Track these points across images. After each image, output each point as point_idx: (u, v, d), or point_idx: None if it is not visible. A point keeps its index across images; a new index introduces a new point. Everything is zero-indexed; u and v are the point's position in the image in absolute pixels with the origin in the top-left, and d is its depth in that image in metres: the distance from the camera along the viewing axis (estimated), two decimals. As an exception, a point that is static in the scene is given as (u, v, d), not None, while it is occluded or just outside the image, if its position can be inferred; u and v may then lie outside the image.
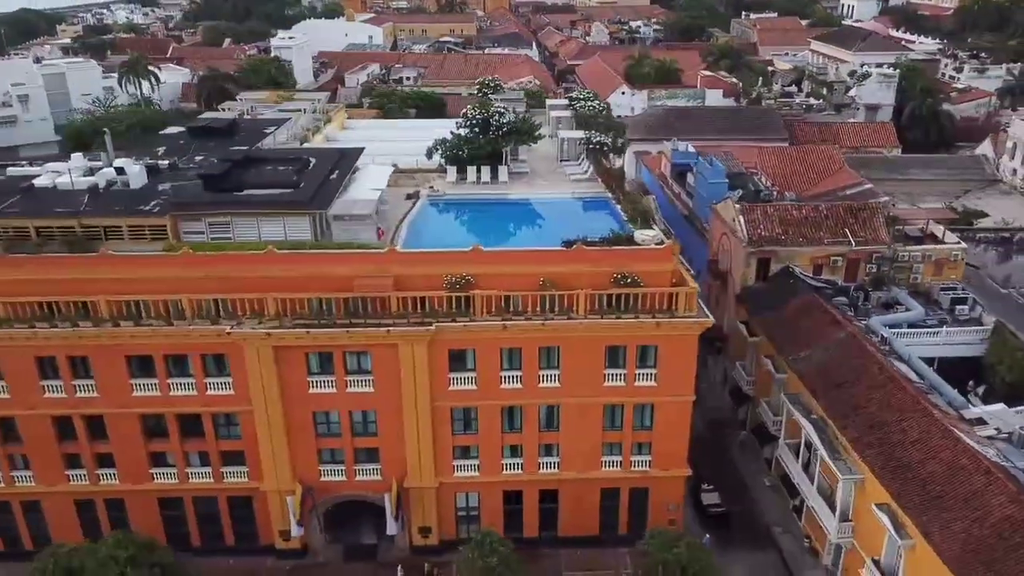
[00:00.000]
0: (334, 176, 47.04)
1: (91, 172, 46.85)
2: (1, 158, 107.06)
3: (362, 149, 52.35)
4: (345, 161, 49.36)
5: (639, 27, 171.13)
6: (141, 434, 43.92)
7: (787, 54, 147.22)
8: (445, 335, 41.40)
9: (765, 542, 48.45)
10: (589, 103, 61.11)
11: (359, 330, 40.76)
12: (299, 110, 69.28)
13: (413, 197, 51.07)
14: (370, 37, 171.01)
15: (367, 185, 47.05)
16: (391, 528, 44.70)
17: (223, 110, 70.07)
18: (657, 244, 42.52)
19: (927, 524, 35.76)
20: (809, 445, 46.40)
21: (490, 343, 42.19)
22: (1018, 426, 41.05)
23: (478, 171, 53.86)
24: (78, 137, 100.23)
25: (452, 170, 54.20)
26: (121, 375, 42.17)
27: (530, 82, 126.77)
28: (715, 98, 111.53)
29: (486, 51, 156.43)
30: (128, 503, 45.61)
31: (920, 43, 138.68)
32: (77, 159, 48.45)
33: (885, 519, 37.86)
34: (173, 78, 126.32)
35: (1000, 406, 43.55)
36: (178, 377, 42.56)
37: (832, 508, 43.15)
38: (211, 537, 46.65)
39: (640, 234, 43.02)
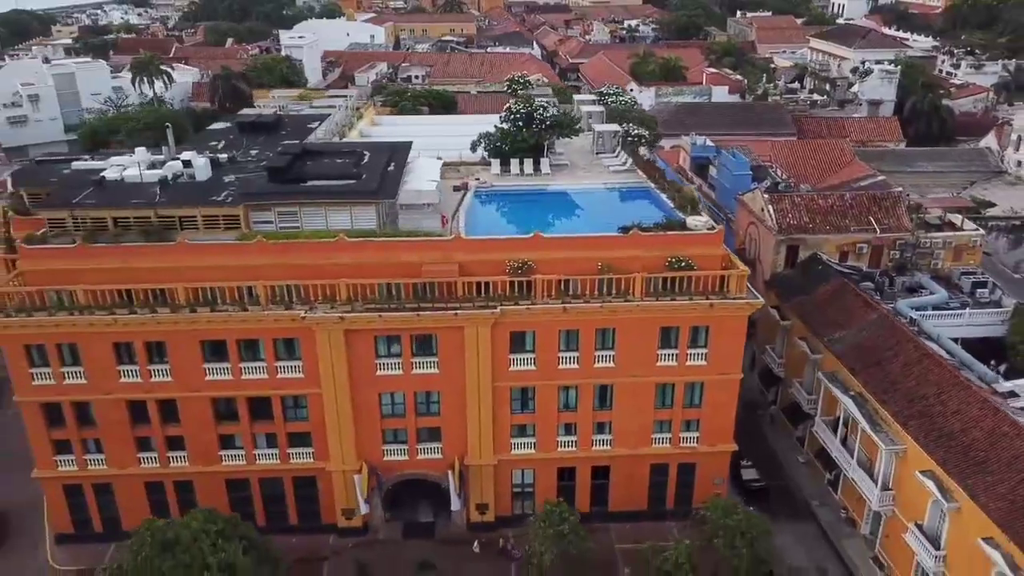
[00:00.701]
0: (392, 168, 48.86)
1: (154, 166, 48.35)
2: (11, 157, 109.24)
3: (410, 143, 54.16)
4: (398, 154, 51.18)
5: (638, 26, 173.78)
6: (212, 417, 45.56)
7: (785, 52, 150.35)
8: (508, 318, 43.39)
9: (804, 514, 50.79)
10: (620, 98, 63.06)
11: (428, 313, 42.66)
12: (331, 107, 71.01)
13: (461, 189, 52.94)
14: (372, 37, 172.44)
15: (424, 177, 48.88)
16: (455, 504, 46.69)
17: (260, 107, 71.53)
18: (708, 229, 44.74)
19: (973, 487, 38.17)
20: (847, 421, 48.81)
21: (550, 325, 44.22)
22: (1049, 398, 43.55)
23: (521, 163, 55.90)
24: (94, 136, 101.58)
25: (496, 163, 56.20)
26: (195, 359, 43.84)
27: (539, 80, 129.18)
28: (721, 95, 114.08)
29: (488, 50, 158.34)
30: (197, 485, 47.19)
31: (914, 41, 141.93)
32: (141, 153, 49.96)
33: (931, 484, 40.26)
34: (183, 78, 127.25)
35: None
36: (250, 361, 44.25)
37: (873, 479, 45.52)
38: (275, 516, 48.30)
39: (692, 220, 45.23)
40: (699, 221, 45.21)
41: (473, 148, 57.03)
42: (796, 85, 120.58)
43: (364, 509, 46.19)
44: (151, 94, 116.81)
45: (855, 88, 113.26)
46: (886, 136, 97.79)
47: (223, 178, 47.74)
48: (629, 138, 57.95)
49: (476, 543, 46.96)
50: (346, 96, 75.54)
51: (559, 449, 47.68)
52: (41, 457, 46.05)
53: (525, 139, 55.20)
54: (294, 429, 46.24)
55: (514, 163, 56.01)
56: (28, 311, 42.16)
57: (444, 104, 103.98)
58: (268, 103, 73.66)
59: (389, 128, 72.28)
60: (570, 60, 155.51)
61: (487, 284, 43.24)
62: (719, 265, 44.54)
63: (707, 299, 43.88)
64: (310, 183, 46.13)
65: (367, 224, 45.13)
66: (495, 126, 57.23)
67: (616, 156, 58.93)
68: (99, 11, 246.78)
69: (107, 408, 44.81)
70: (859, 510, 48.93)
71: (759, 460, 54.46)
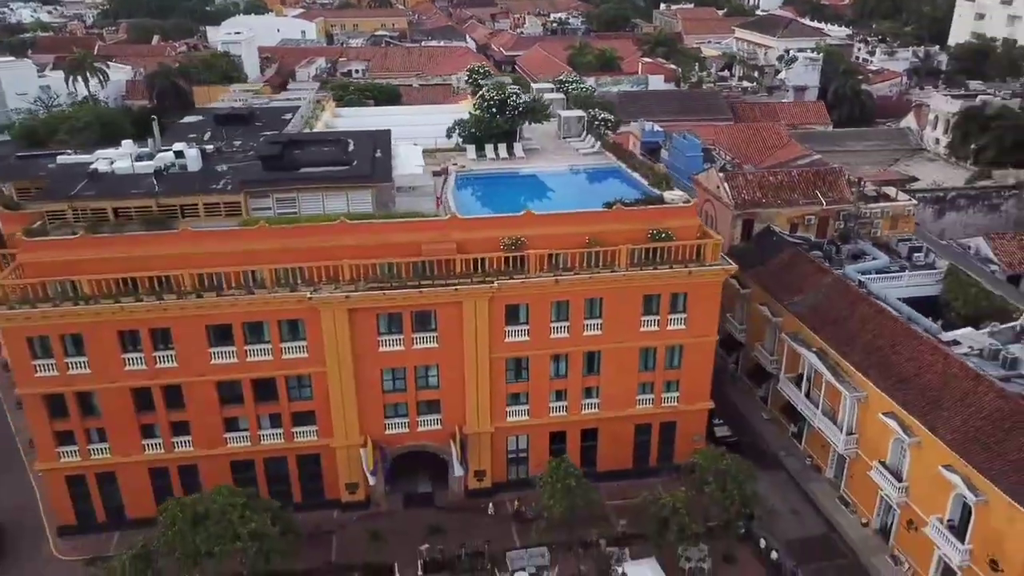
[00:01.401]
0: (379, 154, 50.76)
1: (140, 158, 48.95)
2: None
3: (389, 132, 56.01)
4: (380, 142, 53.04)
5: (567, 19, 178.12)
6: (217, 400, 46.68)
7: (709, 42, 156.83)
8: (504, 292, 45.99)
9: (773, 464, 55.01)
10: (580, 86, 66.23)
11: (430, 289, 44.90)
12: (291, 100, 72.00)
13: (441, 173, 55.11)
14: (303, 32, 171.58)
15: (410, 162, 50.96)
16: (457, 471, 49.14)
17: (222, 101, 71.88)
18: (684, 203, 48.31)
19: (932, 423, 42.84)
20: (810, 376, 53.22)
21: (542, 297, 47.03)
22: (987, 344, 48.76)
23: (495, 148, 58.49)
24: (31, 136, 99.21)
25: (471, 148, 58.59)
26: (201, 345, 44.93)
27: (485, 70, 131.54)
28: (657, 83, 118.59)
29: (422, 44, 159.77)
30: (202, 468, 48.20)
31: (829, 30, 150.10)
32: (127, 145, 50.43)
33: (893, 423, 44.83)
34: (115, 75, 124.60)
35: (968, 329, 51.35)
36: (255, 344, 45.60)
37: (838, 425, 50.02)
38: (280, 495, 48.96)
39: (669, 194, 48.75)
40: (676, 195, 48.78)
41: (449, 134, 59.26)
42: (726, 73, 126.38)
43: (372, 480, 48.08)
44: (85, 92, 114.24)
45: (782, 75, 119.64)
46: (814, 119, 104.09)
47: (215, 168, 48.77)
48: (597, 123, 61.16)
49: (490, 504, 49.44)
50: (308, 90, 76.26)
51: (551, 415, 50.58)
52: (43, 449, 46.35)
53: (499, 125, 57.76)
54: (298, 408, 47.75)
55: (488, 148, 58.51)
56: (31, 303, 42.52)
57: (389, 97, 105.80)
58: (229, 97, 73.98)
59: (352, 120, 73.54)
60: (505, 53, 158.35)
61: (483, 260, 45.73)
62: (695, 235, 48.18)
63: (686, 267, 47.46)
64: (304, 170, 47.62)
65: (363, 207, 47.00)
66: (469, 113, 59.57)
67: (583, 140, 62.09)
68: (6, 8, 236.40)
69: (112, 396, 45.44)
70: (823, 457, 53.47)
71: (727, 419, 58.46)
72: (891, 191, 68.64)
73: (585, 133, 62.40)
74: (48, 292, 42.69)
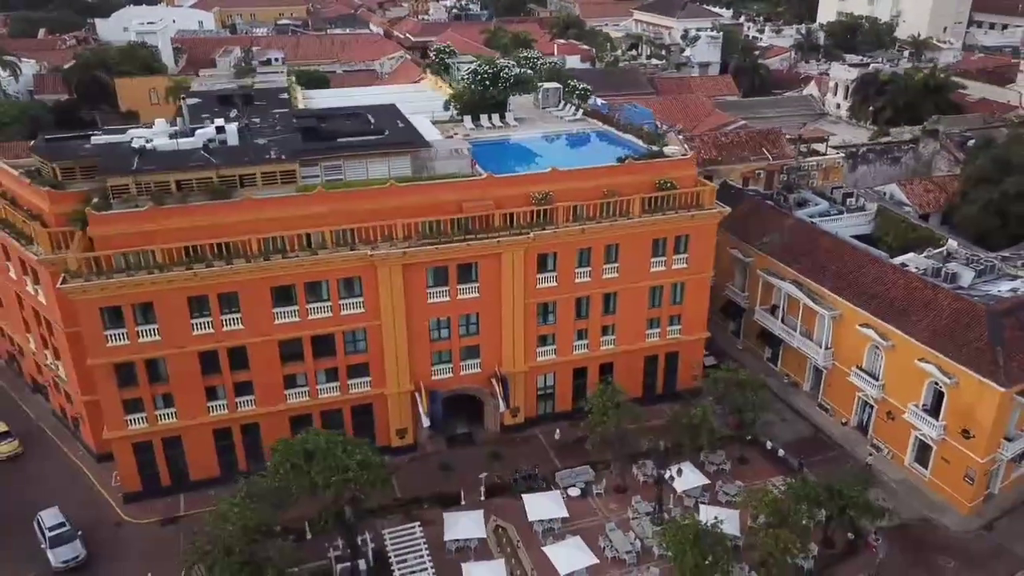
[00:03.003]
0: (402, 125, 54.74)
1: (174, 136, 50.85)
2: None
3: (394, 105, 59.84)
4: (394, 115, 56.91)
5: (468, 4, 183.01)
6: (278, 359, 49.64)
7: (607, 24, 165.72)
8: (538, 242, 51.34)
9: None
10: (547, 61, 71.89)
11: (476, 242, 49.66)
12: (268, 83, 73.92)
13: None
14: (200, 22, 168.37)
15: (430, 131, 55.19)
16: (501, 407, 54.16)
17: (202, 85, 72.76)
18: (682, 155, 55.14)
19: (904, 325, 51.66)
20: (782, 305, 61.47)
21: (569, 245, 52.70)
22: (930, 264, 58.31)
23: (490, 118, 63.41)
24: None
25: (468, 119, 63.23)
26: (266, 306, 47.86)
27: (402, 57, 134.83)
28: (574, 63, 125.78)
29: (328, 32, 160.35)
30: (263, 426, 50.99)
31: (716, 10, 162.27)
32: (160, 124, 52.02)
33: (871, 332, 53.46)
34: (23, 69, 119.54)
35: (911, 254, 60.94)
36: (315, 302, 48.91)
37: (815, 342, 58.46)
38: (334, 446, 53.03)
39: (668, 149, 55.43)
40: (674, 149, 55.52)
41: (446, 107, 63.68)
42: (634, 52, 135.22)
43: (427, 422, 52.34)
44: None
45: (687, 53, 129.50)
46: (725, 91, 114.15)
47: (255, 141, 51.34)
48: (577, 92, 67.12)
49: (557, 430, 54.76)
50: (279, 73, 78.20)
51: (574, 353, 56.40)
52: (112, 418, 47.89)
53: (494, 96, 62.69)
54: (353, 361, 51.35)
55: (483, 118, 63.35)
56: (106, 274, 44.26)
57: (318, 83, 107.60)
58: (211, 82, 74.87)
59: (324, 99, 76.25)
60: (413, 39, 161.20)
61: (517, 214, 50.83)
62: (693, 184, 55.11)
63: (688, 211, 54.34)
64: (343, 139, 51.05)
65: (402, 172, 50.96)
66: (463, 86, 64.22)
67: (562, 108, 67.93)
68: None
69: (180, 361, 47.55)
70: (800, 374, 61.95)
71: (710, 351, 66.06)
72: (820, 147, 78.42)
73: (563, 103, 68.23)
74: (118, 263, 44.47)
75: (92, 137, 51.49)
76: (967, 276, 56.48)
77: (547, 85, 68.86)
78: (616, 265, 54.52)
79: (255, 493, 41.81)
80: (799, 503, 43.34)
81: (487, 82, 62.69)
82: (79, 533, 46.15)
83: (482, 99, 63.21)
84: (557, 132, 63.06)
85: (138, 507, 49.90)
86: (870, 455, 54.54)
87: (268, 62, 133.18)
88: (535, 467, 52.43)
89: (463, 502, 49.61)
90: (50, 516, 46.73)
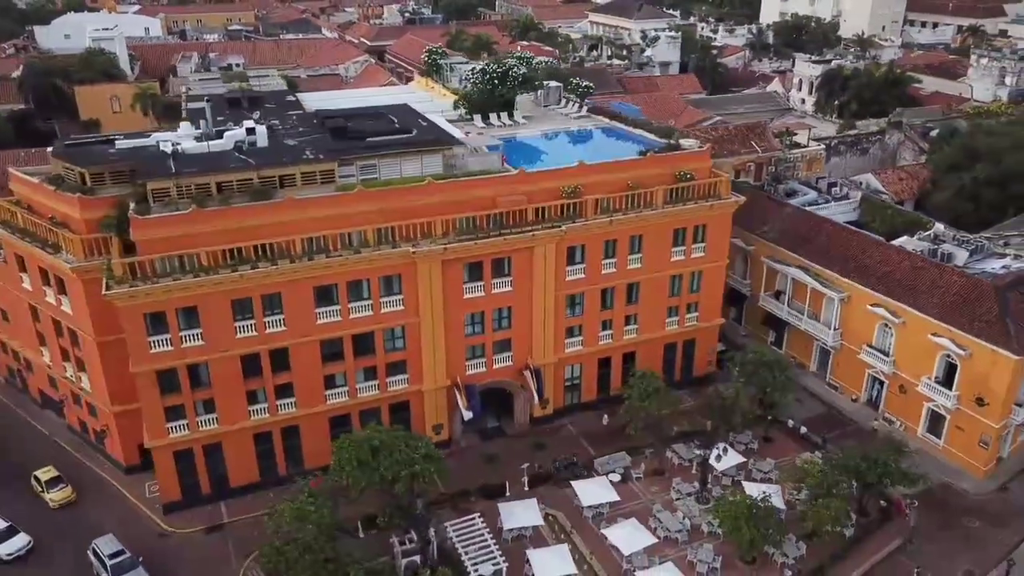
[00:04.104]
0: (426, 124, 55.19)
1: (200, 139, 50.26)
2: None
3: (406, 105, 60.23)
4: (414, 114, 57.33)
5: (420, 8, 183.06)
6: (319, 359, 49.49)
7: (560, 26, 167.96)
8: (569, 235, 52.48)
9: (764, 368, 65.44)
10: (543, 61, 73.23)
11: (511, 236, 50.50)
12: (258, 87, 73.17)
13: (463, 141, 60.12)
14: (147, 29, 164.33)
15: (453, 130, 55.77)
16: (536, 400, 55.02)
17: (187, 92, 71.40)
18: (699, 148, 57.07)
19: (915, 303, 54.59)
20: (787, 290, 64.01)
21: (597, 237, 54.01)
22: (925, 246, 61.64)
23: (499, 116, 64.33)
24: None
25: (478, 118, 64.00)
26: (308, 306, 47.73)
27: (366, 61, 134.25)
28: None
29: (282, 37, 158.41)
30: (303, 428, 50.74)
31: (668, 12, 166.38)
32: (185, 127, 51.24)
33: (882, 311, 56.28)
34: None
35: (905, 237, 64.20)
36: (356, 301, 48.96)
37: (824, 324, 61.12)
38: (372, 445, 53.05)
39: (684, 142, 57.28)
40: (690, 142, 57.43)
41: (455, 107, 64.31)
42: (595, 53, 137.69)
43: (467, 416, 52.83)
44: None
45: (647, 53, 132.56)
46: (690, 89, 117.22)
47: (284, 142, 51.09)
48: (580, 90, 68.55)
49: (605, 416, 55.71)
50: (271, 76, 77.45)
51: (599, 343, 57.69)
52: (153, 427, 47.00)
53: (503, 94, 63.63)
54: (392, 359, 51.50)
55: (492, 117, 64.21)
56: (150, 279, 43.55)
57: (287, 86, 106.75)
58: (203, 87, 73.59)
59: (320, 102, 75.59)
60: (369, 43, 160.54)
61: (549, 208, 51.87)
62: (708, 175, 57.09)
63: (707, 201, 56.29)
64: (376, 139, 51.25)
65: (435, 170, 51.39)
66: (470, 84, 65.06)
67: (564, 106, 69.29)
68: None
69: (222, 365, 46.99)
70: (806, 355, 64.55)
71: (713, 339, 68.34)
72: (802, 139, 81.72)
73: (564, 100, 69.60)
74: (161, 268, 43.81)
75: (116, 142, 50.35)
76: (962, 256, 59.96)
77: (549, 83, 70.10)
78: (640, 256, 56.04)
79: (320, 492, 41.72)
80: (842, 474, 45.54)
81: (496, 81, 63.54)
82: (140, 560, 44.72)
83: (491, 98, 64.02)
84: (568, 129, 64.32)
85: (179, 517, 49.06)
86: (875, 420, 57.54)
87: (229, 67, 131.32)
88: (574, 455, 53.49)
89: (508, 493, 50.30)
90: (106, 544, 45.14)
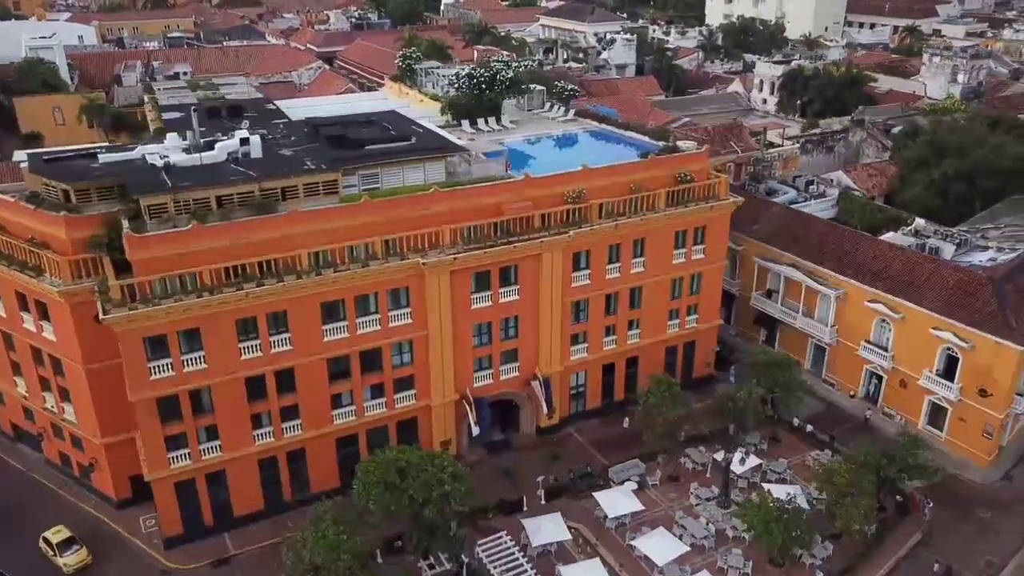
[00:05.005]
0: (422, 130, 53.49)
1: (188, 151, 47.64)
2: None
3: (395, 111, 58.39)
4: (406, 120, 55.57)
5: (367, 14, 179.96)
6: (326, 378, 47.33)
7: (511, 30, 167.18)
8: (575, 240, 51.47)
9: (759, 367, 65.59)
10: (525, 64, 72.29)
11: (520, 244, 49.22)
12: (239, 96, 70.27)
13: (454, 147, 58.58)
14: (80, 37, 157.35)
15: (448, 136, 54.24)
16: (545, 410, 53.75)
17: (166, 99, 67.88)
18: (697, 149, 56.75)
19: (914, 298, 55.26)
20: (778, 289, 64.26)
21: (601, 242, 53.15)
22: (913, 241, 62.67)
23: (486, 121, 63.00)
24: None
25: (465, 123, 62.53)
26: (315, 323, 45.56)
27: (320, 67, 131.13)
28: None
29: (226, 44, 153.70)
30: (309, 450, 48.46)
31: (620, 15, 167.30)
32: (173, 138, 48.34)
33: (881, 307, 56.83)
34: None
35: (892, 233, 65.17)
36: (363, 316, 46.98)
37: (819, 321, 61.49)
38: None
39: (682, 144, 56.88)
40: (689, 144, 57.07)
41: (443, 112, 62.69)
42: (551, 56, 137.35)
43: (477, 431, 51.25)
44: None
45: (604, 55, 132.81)
46: (651, 91, 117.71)
47: (278, 152, 48.77)
48: (566, 93, 67.68)
49: (626, 419, 54.48)
50: (242, 83, 74.42)
51: (604, 349, 56.81)
52: (154, 458, 44.15)
53: (491, 99, 62.32)
54: (400, 375, 49.65)
55: (480, 121, 62.84)
56: (149, 301, 40.86)
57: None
58: (175, 97, 70.02)
59: (300, 110, 72.88)
60: (318, 49, 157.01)
61: (554, 214, 50.75)
62: (707, 176, 56.83)
63: (707, 203, 56.00)
64: (376, 147, 49.37)
65: (437, 177, 49.79)
66: (456, 90, 63.52)
67: (548, 110, 68.34)
68: None
69: (226, 389, 44.49)
70: (799, 353, 64.71)
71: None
72: (776, 139, 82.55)
73: (548, 104, 68.66)
74: (160, 289, 41.14)
75: (100, 156, 47.26)
76: (948, 250, 61.18)
77: (533, 87, 69.07)
78: (643, 259, 55.41)
79: (343, 518, 39.71)
80: (864, 471, 45.59)
81: (483, 85, 62.19)
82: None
83: (479, 103, 62.64)
84: (558, 133, 63.38)
85: (182, 552, 46.24)
86: (868, 410, 58.21)
87: (176, 76, 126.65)
88: (587, 465, 52.44)
89: (525, 508, 48.97)
90: None
